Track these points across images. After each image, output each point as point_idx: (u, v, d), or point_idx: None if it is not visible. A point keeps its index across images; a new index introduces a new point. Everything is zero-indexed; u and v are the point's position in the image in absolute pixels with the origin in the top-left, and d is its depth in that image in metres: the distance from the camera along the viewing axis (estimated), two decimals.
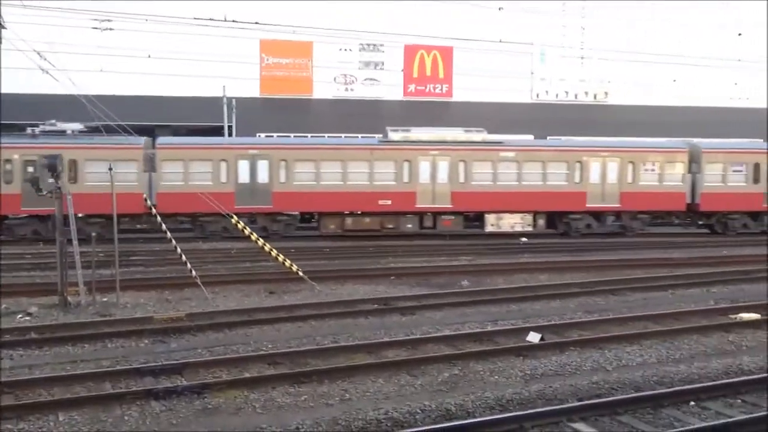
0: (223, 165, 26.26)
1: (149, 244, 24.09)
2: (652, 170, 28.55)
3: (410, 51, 40.79)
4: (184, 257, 16.20)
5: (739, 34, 42.33)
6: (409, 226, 27.19)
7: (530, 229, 28.01)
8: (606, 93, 42.86)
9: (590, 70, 42.78)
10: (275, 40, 38.72)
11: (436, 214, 27.42)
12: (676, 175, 28.69)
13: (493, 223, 27.78)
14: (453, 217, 27.31)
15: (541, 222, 28.15)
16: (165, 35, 33.00)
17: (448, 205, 27.29)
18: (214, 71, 35.71)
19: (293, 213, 26.93)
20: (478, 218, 27.97)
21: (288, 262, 17.46)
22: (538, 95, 42.52)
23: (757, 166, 29.02)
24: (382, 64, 40.62)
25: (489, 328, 12.88)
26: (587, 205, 28.23)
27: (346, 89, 40.49)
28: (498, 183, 27.65)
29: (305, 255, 22.21)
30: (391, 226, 27.08)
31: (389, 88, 40.40)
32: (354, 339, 12.17)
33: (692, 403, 8.92)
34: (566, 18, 42.19)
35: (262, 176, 26.41)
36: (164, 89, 36.97)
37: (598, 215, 28.65)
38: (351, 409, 8.88)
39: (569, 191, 27.98)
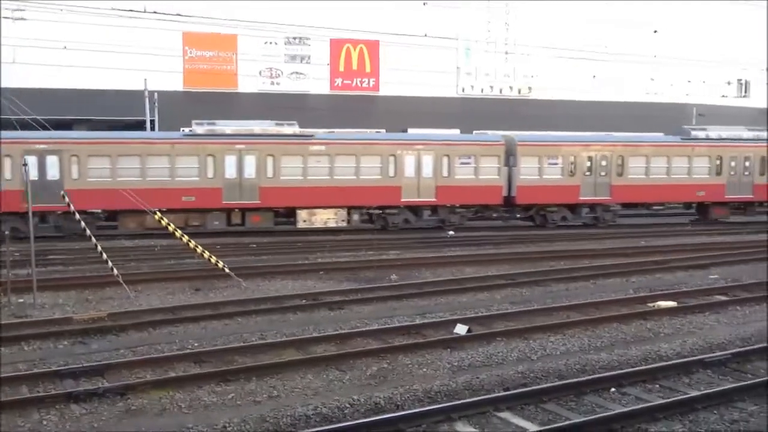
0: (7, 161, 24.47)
1: (68, 242, 23.34)
2: (468, 164, 28.37)
3: (336, 45, 40.70)
4: (104, 255, 15.76)
5: (655, 31, 43.82)
6: (216, 223, 26.09)
7: (344, 224, 27.32)
8: (530, 88, 43.73)
9: (514, 65, 43.58)
10: (199, 33, 38.04)
11: (245, 210, 26.46)
12: (492, 168, 28.54)
13: (305, 219, 27.01)
14: (262, 214, 26.37)
15: (356, 217, 27.56)
16: (83, 26, 31.99)
17: (256, 201, 26.26)
18: (135, 64, 34.82)
19: (94, 210, 24.86)
20: (290, 214, 27.16)
21: (214, 259, 17.20)
22: (463, 90, 43.07)
23: (572, 159, 29.22)
24: (309, 57, 40.40)
25: (417, 321, 13.00)
26: (402, 200, 27.78)
27: (272, 83, 40.11)
28: (309, 178, 26.83)
29: (232, 251, 21.94)
30: (196, 223, 25.82)
31: (316, 81, 40.23)
32: (282, 335, 12.10)
33: (613, 389, 9.21)
34: (491, 13, 42.85)
35: (53, 173, 24.79)
36: (83, 82, 35.84)
37: (415, 210, 28.27)
38: (279, 405, 8.83)
39: (384, 186, 27.45)
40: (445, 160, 28.17)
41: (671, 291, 15.91)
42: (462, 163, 28.37)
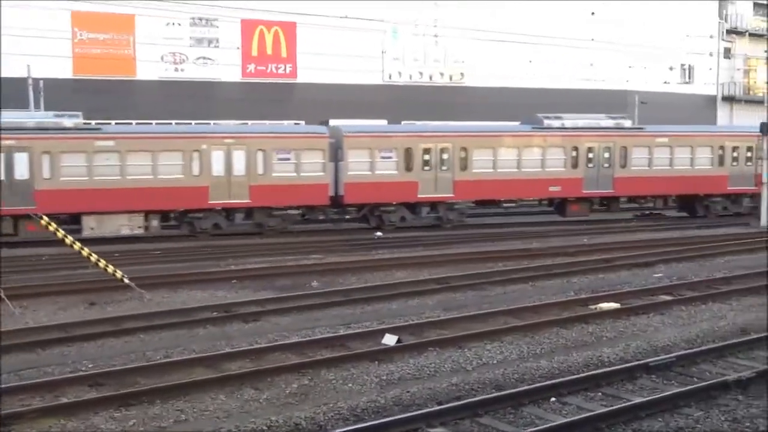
0: None
1: None
2: (288, 159, 27.52)
3: (248, 26, 40.34)
4: None
5: (592, 13, 45.00)
6: None
7: (141, 231, 26.12)
8: (462, 74, 44.29)
9: (445, 49, 44.05)
10: (90, 13, 37.11)
11: (17, 217, 24.71)
12: (315, 164, 27.69)
13: (92, 226, 25.54)
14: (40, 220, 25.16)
15: (156, 223, 26.45)
16: None
17: (32, 207, 24.22)
18: (16, 47, 33.71)
19: None
20: (75, 220, 25.61)
21: (111, 268, 16.85)
22: (390, 76, 43.30)
23: (408, 152, 28.69)
24: (217, 41, 39.88)
25: (341, 332, 13.03)
26: (210, 202, 26.75)
27: (176, 69, 39.45)
28: (95, 178, 25.50)
29: (132, 259, 21.53)
30: None
31: (226, 68, 39.75)
32: (190, 352, 11.95)
33: (553, 399, 9.44)
34: None
35: None
36: None
37: (227, 212, 27.38)
38: (187, 430, 8.72)
39: (187, 186, 26.34)
40: (260, 155, 27.17)
41: (614, 291, 16.40)
42: (280, 159, 27.40)
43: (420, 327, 13.39)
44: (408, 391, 9.85)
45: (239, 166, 27.08)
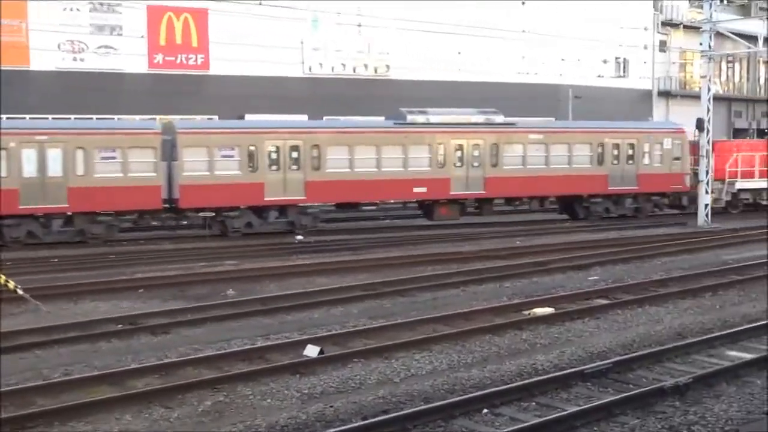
0: None
1: None
2: (113, 158, 26.25)
3: (155, 13, 39.71)
4: None
5: (523, 3, 45.82)
6: None
7: None
8: (387, 66, 44.54)
9: (369, 40, 44.22)
10: None
11: None
12: (145, 163, 26.54)
13: None
14: None
15: None
16: None
17: None
18: None
19: None
20: None
21: (2, 278, 16.37)
22: (311, 68, 43.25)
23: (252, 150, 27.88)
24: (120, 28, 39.12)
25: (260, 344, 12.96)
26: (21, 207, 25.31)
27: (75, 59, 38.56)
28: None
29: (26, 268, 20.98)
30: None
31: (130, 58, 39.03)
32: (93, 369, 11.72)
33: (485, 410, 9.58)
34: None
35: None
36: None
37: (44, 218, 25.85)
38: None
39: None
40: (79, 154, 25.85)
41: (549, 296, 16.74)
42: (104, 158, 26.13)
43: (344, 337, 13.40)
44: (331, 406, 9.86)
45: (55, 167, 25.52)
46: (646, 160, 33.52)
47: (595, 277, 19.28)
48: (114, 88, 38.26)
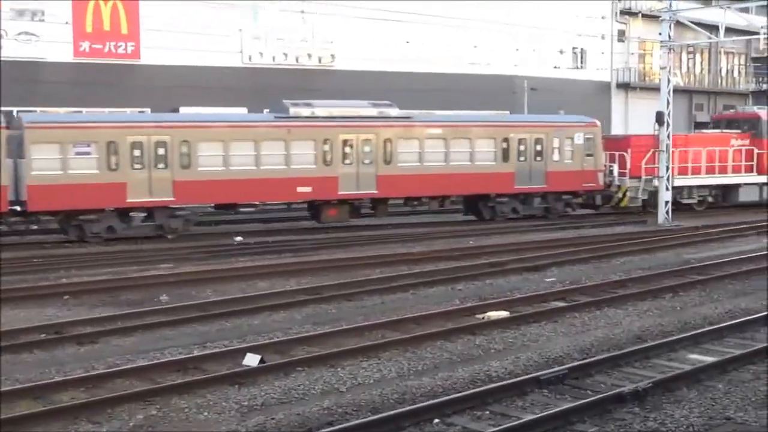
0: None
1: None
2: None
3: None
4: None
5: None
6: None
7: None
8: (332, 56, 44.47)
9: (313, 28, 44.11)
10: None
11: None
12: None
13: None
14: None
15: None
16: None
17: None
18: None
19: None
20: None
21: None
22: (250, 58, 42.97)
23: (112, 146, 26.48)
24: (42, 14, 38.45)
25: (196, 353, 12.89)
26: None
27: None
28: None
29: None
30: None
31: (54, 46, 38.37)
32: (14, 382, 11.53)
33: (437, 420, 9.64)
34: None
35: None
36: None
37: None
38: None
39: None
40: None
41: (503, 298, 16.89)
42: None
43: (287, 344, 13.37)
44: (273, 418, 9.83)
45: None
46: (556, 157, 33.13)
47: (552, 279, 19.49)
48: (36, 77, 37.56)
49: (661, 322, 14.73)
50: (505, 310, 15.70)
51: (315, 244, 26.39)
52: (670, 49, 32.20)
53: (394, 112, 30.99)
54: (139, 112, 36.23)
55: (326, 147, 29.37)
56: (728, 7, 34.55)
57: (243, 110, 37.30)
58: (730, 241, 26.46)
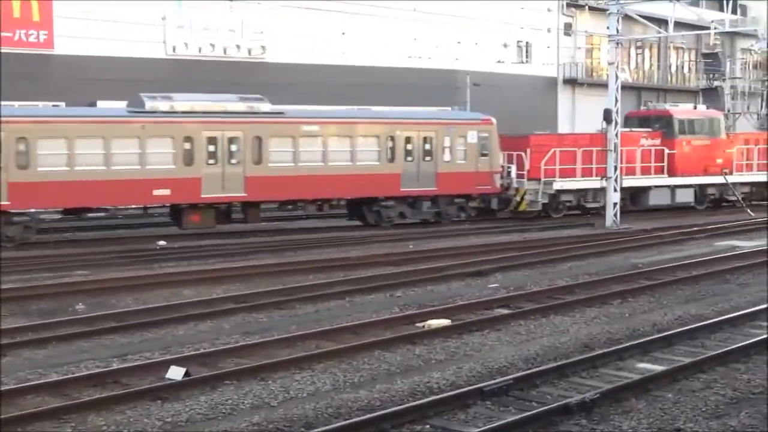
0: None
1: None
2: None
3: None
4: None
5: None
6: None
7: None
8: (263, 48, 44.31)
9: (243, 17, 43.89)
10: None
11: None
12: None
13: None
14: None
15: None
16: None
17: None
18: None
19: None
20: None
21: None
22: (174, 48, 42.59)
23: None
24: None
25: (115, 366, 12.73)
26: None
27: None
28: None
29: None
30: None
31: None
32: None
33: None
34: None
35: None
36: None
37: None
38: None
39: None
40: None
41: (445, 306, 16.99)
42: None
43: (214, 356, 13.27)
44: None
45: None
46: (447, 157, 32.59)
47: (496, 285, 19.67)
48: None
49: (610, 330, 14.96)
50: (446, 317, 15.77)
51: (244, 248, 26.26)
52: (618, 44, 32.72)
53: (266, 107, 30.21)
54: (53, 105, 35.62)
55: (187, 145, 28.30)
56: (678, 1, 35.18)
57: None
58: (681, 244, 26.99)
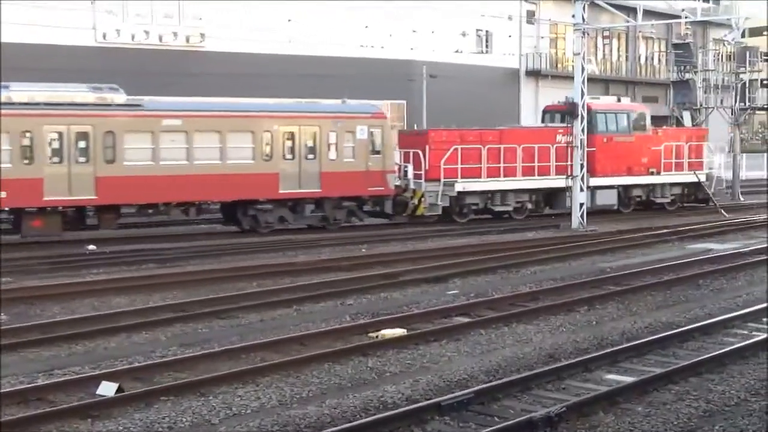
0: None
1: None
2: None
3: None
4: None
5: None
6: None
7: None
8: (202, 35, 44.10)
9: (180, 3, 43.67)
10: None
11: None
12: None
13: None
14: None
15: None
16: None
17: None
18: None
19: None
20: None
21: None
22: (105, 36, 42.24)
23: None
24: None
25: (40, 382, 12.60)
26: None
27: None
28: None
29: None
30: None
31: None
32: None
33: None
34: None
35: None
36: None
37: None
38: None
39: None
40: None
41: (400, 314, 17.03)
42: None
43: (149, 370, 13.19)
44: None
45: None
46: (333, 155, 31.47)
47: (455, 291, 19.74)
48: None
49: (576, 339, 15.09)
50: (401, 327, 15.80)
51: (182, 253, 26.08)
52: (584, 33, 32.85)
53: (120, 98, 28.91)
54: None
55: (26, 141, 27.21)
56: None
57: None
58: (651, 247, 27.30)
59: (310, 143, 31.21)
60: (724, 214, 36.76)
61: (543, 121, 37.97)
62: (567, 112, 33.70)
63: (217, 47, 43.81)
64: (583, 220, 32.07)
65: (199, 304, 17.98)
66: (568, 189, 33.08)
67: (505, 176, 34.20)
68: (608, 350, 13.95)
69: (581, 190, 32.14)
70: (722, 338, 15.05)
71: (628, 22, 40.49)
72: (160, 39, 43.40)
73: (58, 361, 13.93)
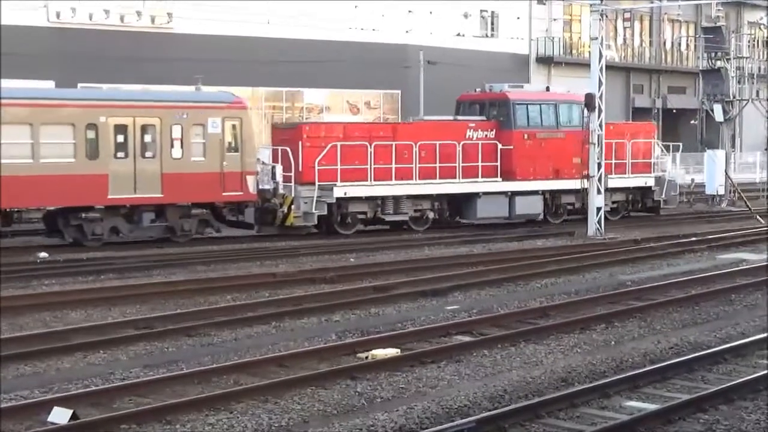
0: None
1: None
2: None
3: None
4: None
5: None
6: None
7: None
8: (169, 15, 44.07)
9: None
10: None
11: None
12: None
13: None
14: None
15: None
16: None
17: None
18: None
19: None
20: None
21: None
22: (59, 15, 42.20)
23: None
24: None
25: None
26: None
27: None
28: None
29: None
30: None
31: None
32: None
33: None
34: None
35: None
36: None
37: None
38: None
39: None
40: None
41: (393, 332, 16.99)
42: None
43: (108, 394, 13.14)
44: None
45: None
46: (177, 152, 29.62)
47: (455, 306, 19.73)
48: None
49: (592, 361, 15.08)
50: (394, 347, 15.77)
51: (146, 262, 26.00)
52: (602, 15, 32.72)
53: None
54: None
55: None
56: None
57: (50, 84, 36.61)
58: (677, 257, 27.31)
59: (148, 138, 29.30)
60: (761, 220, 36.82)
61: (457, 113, 35.99)
62: (487, 102, 33.09)
63: (187, 29, 43.77)
64: (600, 226, 31.87)
65: (165, 320, 17.94)
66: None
67: (398, 179, 32.65)
68: (628, 374, 13.94)
69: (598, 192, 31.93)
70: (757, 360, 15.05)
71: (652, 2, 40.47)
72: (122, 19, 43.35)
73: (4, 385, 13.84)
